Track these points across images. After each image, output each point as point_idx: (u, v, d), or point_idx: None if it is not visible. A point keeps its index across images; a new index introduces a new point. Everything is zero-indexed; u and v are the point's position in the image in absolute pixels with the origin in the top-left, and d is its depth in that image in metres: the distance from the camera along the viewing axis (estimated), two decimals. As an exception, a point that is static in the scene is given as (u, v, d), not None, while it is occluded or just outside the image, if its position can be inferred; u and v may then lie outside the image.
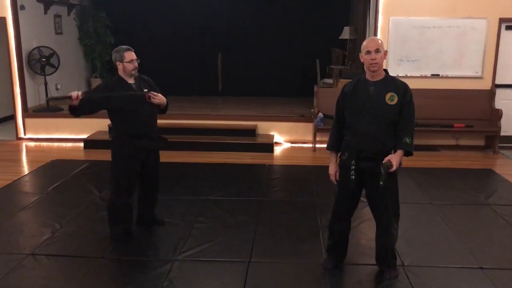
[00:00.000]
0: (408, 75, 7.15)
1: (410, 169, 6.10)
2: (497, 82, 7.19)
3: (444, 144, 7.30)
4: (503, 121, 6.95)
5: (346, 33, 8.56)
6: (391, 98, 3.12)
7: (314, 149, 7.18)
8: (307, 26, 9.60)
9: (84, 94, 3.74)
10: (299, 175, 5.94)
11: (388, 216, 3.30)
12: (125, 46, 3.88)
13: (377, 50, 3.10)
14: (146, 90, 3.93)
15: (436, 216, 4.61)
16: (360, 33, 8.18)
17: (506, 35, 7.09)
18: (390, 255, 3.45)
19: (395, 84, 3.18)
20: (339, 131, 3.34)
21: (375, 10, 7.20)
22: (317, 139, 7.17)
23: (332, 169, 3.38)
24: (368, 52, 3.12)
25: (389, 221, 3.32)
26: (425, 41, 7.10)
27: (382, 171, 3.07)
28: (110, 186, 4.04)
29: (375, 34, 7.18)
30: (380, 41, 3.17)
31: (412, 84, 7.59)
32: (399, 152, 3.14)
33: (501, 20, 6.98)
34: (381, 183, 3.04)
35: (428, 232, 4.27)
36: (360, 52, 3.23)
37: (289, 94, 9.58)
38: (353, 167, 3.20)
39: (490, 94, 7.14)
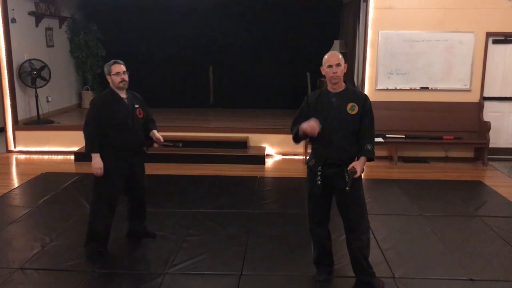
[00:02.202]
0: (398, 88, 7.24)
1: (400, 181, 6.16)
2: (485, 94, 7.30)
3: (434, 156, 7.37)
4: (491, 133, 7.05)
5: (336, 47, 8.64)
6: (352, 108, 3.31)
7: (305, 161, 7.20)
8: (297, 39, 9.69)
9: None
10: (290, 187, 5.95)
11: (355, 219, 3.41)
12: (113, 60, 3.93)
13: (338, 64, 3.29)
14: (137, 106, 3.97)
15: (426, 228, 4.64)
16: (350, 47, 8.28)
17: (493, 48, 7.21)
18: (366, 263, 3.47)
19: (356, 95, 3.38)
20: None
21: (365, 24, 7.31)
22: (308, 151, 7.17)
23: (310, 125, 3.27)
24: (330, 66, 3.30)
25: (356, 224, 3.41)
26: (414, 55, 7.20)
27: (347, 176, 3.22)
28: (92, 199, 4.00)
29: (365, 47, 7.27)
30: (340, 56, 3.35)
31: (402, 97, 7.73)
32: (362, 159, 3.32)
33: (488, 34, 7.10)
34: (347, 188, 3.18)
35: (418, 243, 4.29)
36: (322, 65, 3.39)
37: (280, 106, 9.62)
38: (319, 173, 3.35)
39: (478, 107, 7.23)
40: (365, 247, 3.45)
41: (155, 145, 4.10)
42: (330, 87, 3.38)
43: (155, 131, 4.11)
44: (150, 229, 4.37)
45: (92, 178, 3.94)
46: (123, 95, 3.92)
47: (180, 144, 4.24)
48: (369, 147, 3.30)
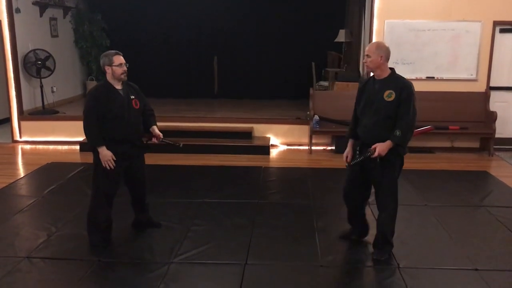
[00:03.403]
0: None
1: (406, 171, 6.06)
2: (492, 84, 7.24)
3: (440, 146, 7.34)
4: (497, 123, 7.00)
5: (341, 36, 8.59)
6: (389, 95, 3.49)
7: (310, 151, 7.19)
8: (303, 29, 9.61)
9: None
10: (295, 177, 5.95)
11: (381, 199, 3.71)
12: (113, 51, 3.87)
13: (367, 55, 3.54)
14: (133, 96, 3.91)
15: (431, 218, 4.63)
16: (356, 36, 8.22)
17: (500, 38, 7.14)
18: (381, 238, 3.75)
19: (395, 82, 3.54)
20: (355, 121, 3.78)
21: (370, 13, 7.24)
22: (313, 141, 7.19)
23: (345, 152, 3.85)
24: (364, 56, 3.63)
25: (384, 204, 3.70)
26: (420, 44, 7.14)
27: (364, 154, 3.49)
28: (91, 192, 4.00)
29: (371, 37, 7.22)
30: (373, 47, 3.55)
31: (407, 87, 7.59)
32: (387, 142, 3.47)
33: (495, 23, 7.03)
34: (351, 162, 3.58)
35: (423, 233, 4.29)
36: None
37: (285, 96, 9.60)
38: (357, 152, 3.66)
39: (484, 97, 7.18)
40: (385, 224, 3.72)
41: (154, 140, 4.07)
42: (375, 74, 3.60)
43: (155, 127, 4.08)
44: (155, 219, 4.39)
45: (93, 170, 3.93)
46: (118, 86, 3.85)
47: (181, 144, 4.20)
48: (397, 133, 3.44)
